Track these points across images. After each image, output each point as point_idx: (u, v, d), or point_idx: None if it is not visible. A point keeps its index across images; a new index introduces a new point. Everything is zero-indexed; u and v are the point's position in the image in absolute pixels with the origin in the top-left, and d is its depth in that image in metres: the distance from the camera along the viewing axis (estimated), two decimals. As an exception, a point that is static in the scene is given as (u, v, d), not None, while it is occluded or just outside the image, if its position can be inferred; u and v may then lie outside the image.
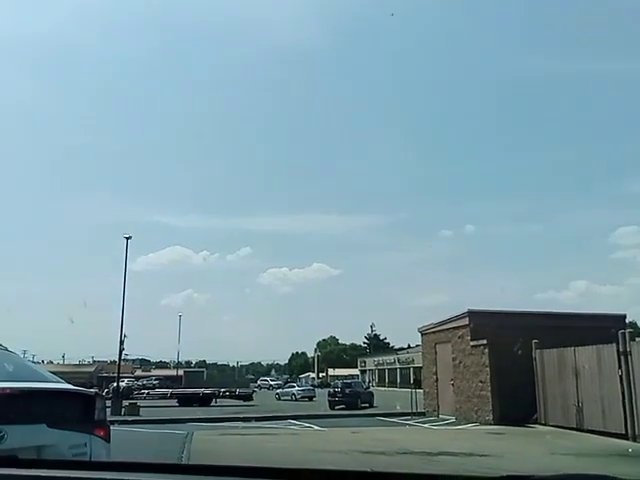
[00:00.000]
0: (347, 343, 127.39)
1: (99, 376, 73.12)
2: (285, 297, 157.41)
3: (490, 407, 21.77)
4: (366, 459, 12.69)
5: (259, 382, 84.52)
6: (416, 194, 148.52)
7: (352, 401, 34.91)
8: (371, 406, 36.24)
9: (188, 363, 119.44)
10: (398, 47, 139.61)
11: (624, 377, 17.09)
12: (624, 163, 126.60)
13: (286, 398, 47.89)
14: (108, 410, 7.26)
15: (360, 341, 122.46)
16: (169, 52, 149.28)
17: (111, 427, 5.29)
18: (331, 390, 38.50)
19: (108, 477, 2.31)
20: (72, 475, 2.32)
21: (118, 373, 38.61)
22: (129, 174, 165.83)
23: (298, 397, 47.39)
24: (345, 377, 67.93)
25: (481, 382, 22.48)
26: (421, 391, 27.86)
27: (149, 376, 72.80)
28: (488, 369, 22.08)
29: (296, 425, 23.57)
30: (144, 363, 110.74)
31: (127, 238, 35.70)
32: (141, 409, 30.01)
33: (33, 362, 14.43)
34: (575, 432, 18.42)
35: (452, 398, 24.69)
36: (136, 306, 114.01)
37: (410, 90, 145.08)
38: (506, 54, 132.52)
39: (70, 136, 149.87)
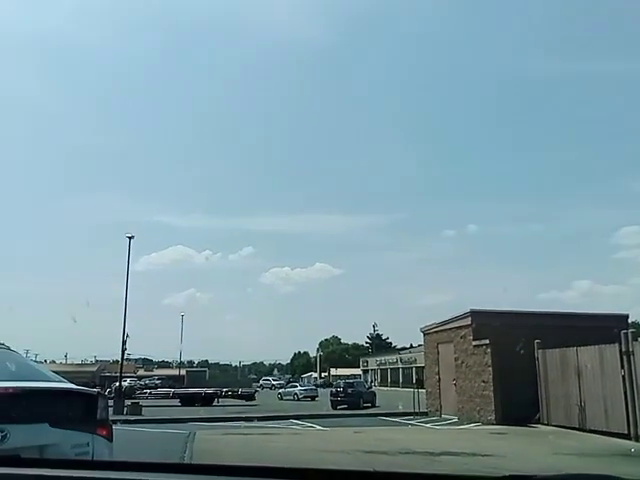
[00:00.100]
0: (349, 343, 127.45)
1: (101, 376, 73.26)
2: (287, 297, 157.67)
3: (492, 407, 21.75)
4: (368, 459, 12.68)
5: (261, 382, 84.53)
6: (418, 194, 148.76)
7: (354, 401, 34.87)
8: (373, 406, 36.19)
9: (190, 363, 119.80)
10: (399, 47, 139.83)
11: (626, 377, 17.07)
12: (627, 162, 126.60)
13: (288, 398, 47.83)
14: (110, 410, 7.27)
15: (362, 341, 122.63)
16: (169, 51, 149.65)
17: (113, 427, 5.30)
18: (333, 390, 38.47)
19: (111, 476, 2.31)
20: (75, 474, 2.32)
21: (120, 373, 38.58)
22: (131, 174, 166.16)
23: (300, 397, 47.34)
24: (347, 377, 68.01)
25: (483, 382, 22.46)
26: (423, 391, 27.81)
27: (151, 376, 73.00)
28: (490, 369, 22.05)
29: (298, 425, 23.56)
30: (146, 363, 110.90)
31: (130, 238, 35.71)
32: (143, 409, 30.02)
33: (35, 361, 14.42)
34: (577, 432, 18.40)
35: (454, 398, 24.67)
36: (139, 306, 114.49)
37: (411, 90, 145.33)
38: (506, 54, 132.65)
39: (71, 136, 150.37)
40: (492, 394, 21.83)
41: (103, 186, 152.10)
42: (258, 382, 79.77)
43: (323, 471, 2.22)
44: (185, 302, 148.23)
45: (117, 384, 38.38)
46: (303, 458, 12.64)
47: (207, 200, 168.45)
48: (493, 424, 21.17)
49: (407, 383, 60.27)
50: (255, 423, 23.78)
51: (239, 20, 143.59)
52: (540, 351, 21.32)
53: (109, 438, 5.08)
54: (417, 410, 26.13)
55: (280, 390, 56.73)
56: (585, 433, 18.11)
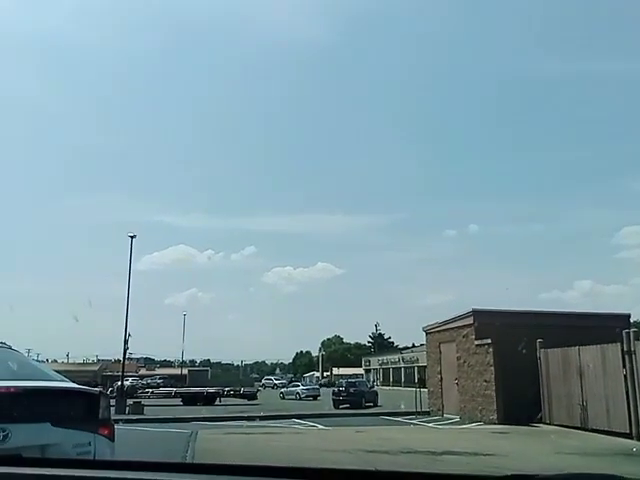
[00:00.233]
0: (351, 342, 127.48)
1: (103, 375, 73.43)
2: (289, 296, 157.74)
3: (494, 406, 21.72)
4: (370, 458, 12.67)
5: (263, 381, 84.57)
6: (419, 194, 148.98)
7: (356, 400, 34.85)
8: (375, 405, 36.19)
9: (192, 362, 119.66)
10: (399, 47, 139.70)
11: (628, 376, 17.05)
12: (627, 162, 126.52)
13: (290, 397, 47.88)
14: (112, 409, 7.26)
15: (364, 340, 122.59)
16: (169, 51, 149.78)
17: (115, 426, 5.29)
18: (335, 389, 38.45)
19: (112, 476, 2.31)
20: (76, 474, 2.32)
21: (122, 372, 38.62)
22: (132, 174, 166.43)
23: (302, 396, 47.37)
24: (350, 376, 67.91)
25: (485, 381, 22.44)
26: (425, 390, 27.83)
27: (153, 375, 73.00)
28: (492, 368, 22.03)
29: (300, 424, 23.55)
30: (148, 362, 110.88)
31: (132, 237, 35.69)
32: (145, 408, 30.04)
33: (37, 361, 14.42)
34: (579, 431, 18.39)
35: (456, 397, 24.65)
36: (141, 305, 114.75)
37: (411, 90, 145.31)
38: (507, 54, 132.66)
39: (71, 136, 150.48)
40: (494, 393, 21.81)
41: (103, 186, 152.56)
42: (260, 381, 79.75)
43: (325, 470, 2.22)
44: (187, 301, 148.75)
45: (119, 383, 38.43)
46: (305, 457, 12.63)
47: (208, 200, 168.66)
48: (495, 423, 21.15)
49: (409, 382, 60.25)
50: (257, 422, 23.78)
51: (239, 20, 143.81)
52: (542, 350, 21.30)
53: (111, 438, 5.08)
54: (419, 409, 26.16)
55: (282, 389, 56.76)
56: (587, 432, 18.10)
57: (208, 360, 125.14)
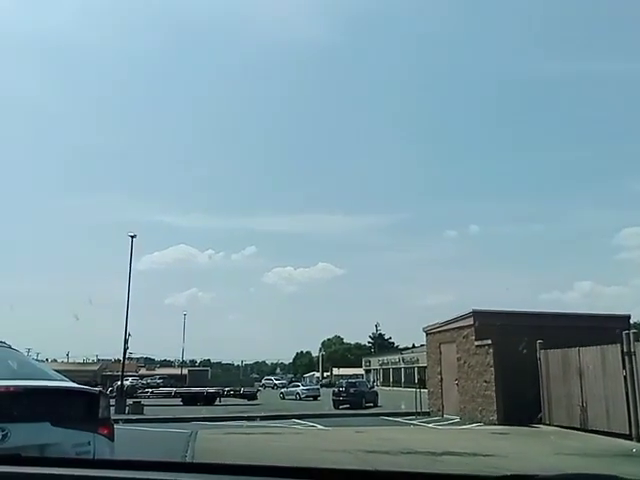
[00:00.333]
0: (352, 342, 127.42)
1: (103, 375, 73.46)
2: (290, 296, 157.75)
3: (494, 407, 21.73)
4: (370, 458, 12.67)
5: (263, 381, 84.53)
6: (419, 194, 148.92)
7: (356, 400, 34.85)
8: (375, 405, 36.20)
9: (192, 362, 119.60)
10: (399, 47, 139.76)
11: (628, 377, 17.06)
12: (628, 163, 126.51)
13: (290, 397, 47.87)
14: (112, 409, 7.26)
15: (365, 340, 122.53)
16: (169, 51, 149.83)
17: (115, 426, 5.29)
18: (335, 389, 38.41)
19: (112, 475, 2.30)
20: (76, 473, 2.32)
21: (122, 372, 38.62)
22: (132, 173, 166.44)
23: (302, 396, 47.36)
24: (350, 376, 67.87)
25: (485, 382, 22.44)
26: (425, 391, 27.83)
27: (153, 375, 72.99)
28: (492, 369, 22.04)
29: (300, 424, 23.55)
30: (148, 362, 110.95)
31: (132, 237, 35.68)
32: (145, 408, 30.04)
33: (37, 360, 14.43)
34: (579, 432, 18.39)
35: (456, 398, 24.66)
36: (141, 305, 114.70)
37: (411, 90, 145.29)
38: (507, 54, 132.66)
39: (71, 136, 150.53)
40: (494, 394, 21.82)
41: (103, 186, 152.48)
42: (260, 381, 79.67)
43: (324, 470, 2.22)
44: (187, 301, 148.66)
45: (119, 383, 38.42)
46: (305, 457, 12.63)
47: (209, 200, 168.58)
48: (495, 424, 21.16)
49: (409, 383, 60.18)
50: (257, 422, 23.79)
51: (239, 20, 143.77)
52: (542, 351, 21.30)
53: (111, 437, 5.08)
54: (419, 410, 26.16)
55: (282, 390, 56.75)
56: (587, 433, 18.10)
57: (208, 360, 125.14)
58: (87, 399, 5.06)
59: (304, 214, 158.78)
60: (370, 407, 34.76)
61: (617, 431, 17.11)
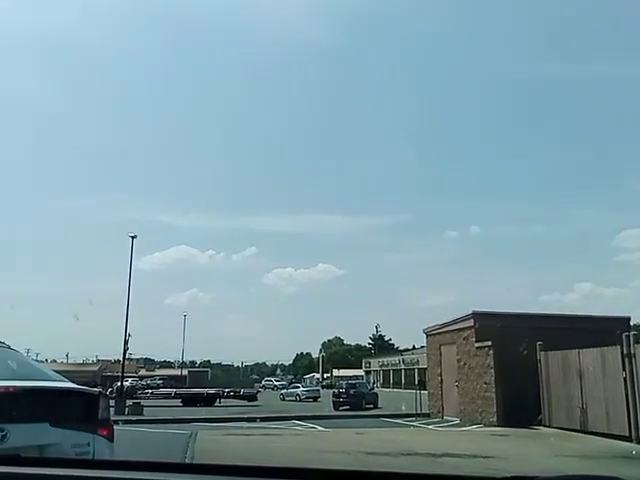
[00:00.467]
0: (352, 344, 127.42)
1: (103, 375, 73.34)
2: (290, 297, 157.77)
3: (494, 409, 21.72)
4: (370, 460, 12.66)
5: (263, 382, 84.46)
6: (420, 194, 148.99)
7: (356, 402, 34.82)
8: (375, 407, 36.18)
9: (192, 363, 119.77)
10: (399, 47, 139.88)
11: (628, 379, 17.04)
12: (629, 164, 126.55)
13: (290, 399, 47.83)
14: (112, 409, 7.26)
15: (365, 342, 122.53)
16: (169, 51, 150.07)
17: (115, 427, 5.29)
18: (335, 391, 38.35)
19: (111, 476, 2.30)
20: (75, 474, 2.31)
21: (122, 372, 38.61)
22: (133, 174, 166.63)
23: (302, 398, 47.32)
24: (350, 378, 67.85)
25: (485, 384, 22.43)
26: (425, 392, 27.81)
27: (153, 376, 72.87)
28: (493, 371, 22.03)
29: (300, 426, 23.53)
30: (148, 362, 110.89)
31: (132, 237, 35.72)
32: (145, 409, 30.01)
33: (36, 361, 14.43)
34: (579, 434, 18.36)
35: (456, 399, 24.64)
36: (141, 305, 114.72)
37: (413, 90, 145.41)
38: (507, 54, 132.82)
39: (71, 136, 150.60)
40: (494, 396, 21.81)
41: (103, 186, 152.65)
42: (260, 383, 79.60)
43: (324, 471, 2.21)
44: (188, 302, 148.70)
45: (119, 384, 38.42)
46: (304, 459, 12.62)
47: (209, 200, 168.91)
48: (495, 426, 21.15)
49: (409, 384, 60.15)
50: (257, 424, 23.78)
51: (239, 20, 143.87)
52: (542, 353, 21.29)
53: (110, 438, 5.07)
54: (419, 411, 26.15)
55: (282, 391, 56.71)
56: (587, 435, 18.08)
57: (208, 361, 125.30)
58: (87, 400, 5.06)
59: (304, 214, 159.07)
60: (370, 408, 34.72)
61: (617, 433, 17.08)
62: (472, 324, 23.61)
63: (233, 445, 16.05)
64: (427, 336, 28.44)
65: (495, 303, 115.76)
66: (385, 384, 79.63)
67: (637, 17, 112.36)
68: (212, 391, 41.09)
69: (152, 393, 44.18)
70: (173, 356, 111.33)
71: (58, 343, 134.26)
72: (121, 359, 38.99)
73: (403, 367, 76.96)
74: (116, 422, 6.27)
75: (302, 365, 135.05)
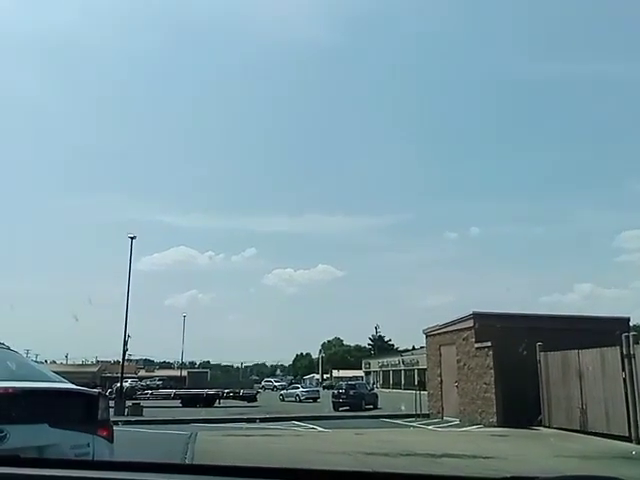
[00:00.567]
0: (352, 344, 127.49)
1: (102, 376, 73.38)
2: (290, 298, 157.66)
3: (494, 409, 21.72)
4: (369, 460, 12.66)
5: (263, 383, 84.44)
6: (420, 194, 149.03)
7: (356, 402, 34.77)
8: (375, 407, 36.15)
9: (192, 363, 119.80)
10: (399, 47, 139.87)
11: (627, 380, 17.04)
12: (629, 165, 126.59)
13: (290, 399, 47.81)
14: (111, 410, 7.25)
15: (365, 342, 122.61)
16: (169, 51, 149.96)
17: (114, 427, 5.28)
18: (335, 391, 38.29)
19: (111, 477, 2.30)
20: (74, 474, 2.31)
21: (122, 373, 38.64)
22: (133, 174, 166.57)
23: (302, 398, 47.29)
24: (349, 378, 67.85)
25: (485, 384, 22.43)
26: (425, 393, 27.79)
27: (153, 376, 72.96)
28: (492, 371, 22.03)
29: (300, 426, 23.52)
30: (148, 363, 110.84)
31: (132, 238, 35.71)
32: (144, 409, 29.97)
33: (36, 362, 14.41)
34: (579, 434, 18.36)
35: (456, 400, 24.64)
36: (140, 306, 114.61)
37: (413, 90, 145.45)
38: (508, 54, 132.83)
39: (71, 136, 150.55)
40: (494, 396, 21.81)
41: (103, 186, 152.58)
42: (260, 383, 79.66)
43: (324, 472, 2.21)
44: (187, 303, 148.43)
45: (118, 385, 38.43)
46: (304, 460, 12.61)
47: (209, 200, 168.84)
48: (495, 426, 21.14)
49: (409, 385, 60.18)
50: (257, 424, 23.78)
51: (239, 20, 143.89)
52: (542, 353, 21.29)
53: (110, 439, 5.07)
54: (419, 412, 26.14)
55: (282, 391, 56.68)
56: (586, 435, 18.08)
57: (208, 362, 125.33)
58: (86, 400, 5.05)
59: (304, 215, 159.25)
60: (370, 409, 34.67)
61: (616, 433, 17.09)
62: (472, 325, 23.61)
63: (233, 446, 16.04)
64: (427, 337, 28.44)
65: (495, 303, 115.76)
66: (385, 385, 79.64)
67: (637, 17, 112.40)
68: (212, 392, 41.06)
69: (152, 394, 44.12)
70: (173, 357, 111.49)
71: (58, 344, 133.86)
72: (121, 360, 39.05)
73: (403, 368, 76.96)
74: (116, 423, 6.27)
75: (302, 366, 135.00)
